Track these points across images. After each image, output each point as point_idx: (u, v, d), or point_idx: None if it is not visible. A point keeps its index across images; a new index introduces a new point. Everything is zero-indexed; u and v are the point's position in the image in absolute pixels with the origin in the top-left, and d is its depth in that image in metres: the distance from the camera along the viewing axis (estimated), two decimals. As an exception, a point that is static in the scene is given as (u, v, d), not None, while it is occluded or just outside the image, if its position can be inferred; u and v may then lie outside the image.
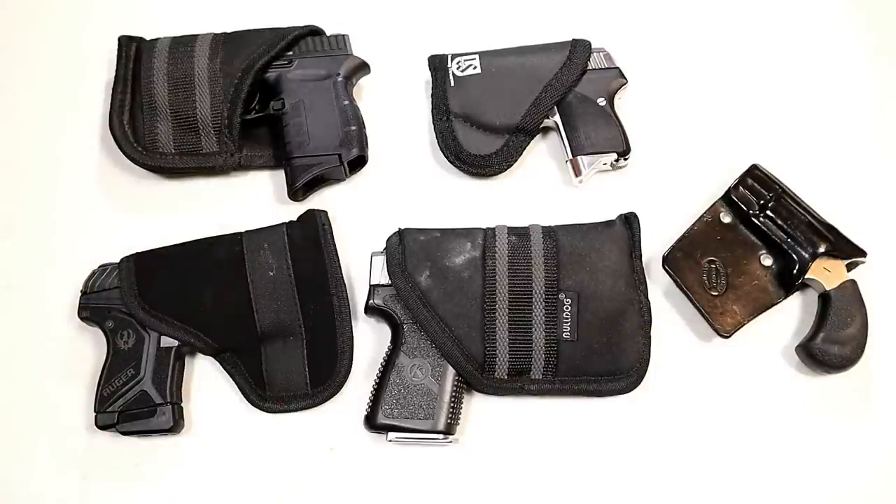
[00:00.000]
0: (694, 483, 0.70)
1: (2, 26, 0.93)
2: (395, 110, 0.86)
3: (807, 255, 0.71)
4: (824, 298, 0.72)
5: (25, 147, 0.86)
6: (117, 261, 0.77)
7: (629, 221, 0.74)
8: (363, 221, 0.80)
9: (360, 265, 0.78)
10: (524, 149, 0.81)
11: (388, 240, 0.74)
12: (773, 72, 0.86)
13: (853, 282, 0.72)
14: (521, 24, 0.89)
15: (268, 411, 0.74)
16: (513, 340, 0.70)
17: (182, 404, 0.74)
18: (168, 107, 0.81)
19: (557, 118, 0.80)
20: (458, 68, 0.82)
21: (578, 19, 0.90)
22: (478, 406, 0.74)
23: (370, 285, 0.74)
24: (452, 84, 0.82)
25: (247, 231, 0.77)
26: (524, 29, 0.87)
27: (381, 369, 0.71)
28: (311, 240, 0.77)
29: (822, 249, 0.71)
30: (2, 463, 0.74)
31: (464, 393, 0.72)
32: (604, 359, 0.70)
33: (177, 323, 0.74)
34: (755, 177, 0.75)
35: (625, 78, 0.82)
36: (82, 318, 0.76)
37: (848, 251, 0.72)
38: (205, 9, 0.91)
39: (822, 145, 0.82)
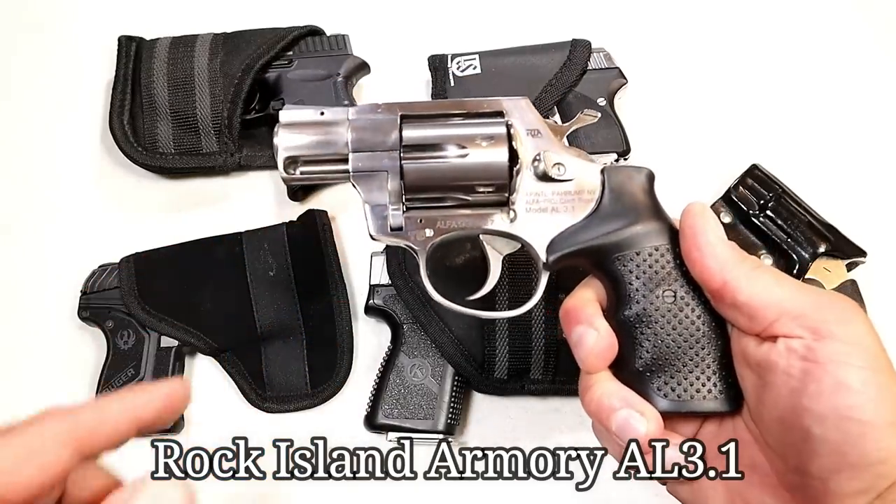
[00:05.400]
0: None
1: (1, 26, 0.93)
2: (395, 110, 0.86)
3: (807, 255, 0.71)
4: (824, 298, 0.72)
5: (25, 147, 0.86)
6: (117, 261, 0.77)
7: None
8: (363, 221, 0.80)
9: (360, 265, 0.78)
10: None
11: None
12: (774, 72, 0.86)
13: (853, 282, 0.72)
14: (521, 24, 0.89)
15: (268, 411, 0.74)
16: (512, 340, 0.70)
17: (182, 404, 0.74)
18: (168, 107, 0.81)
19: (557, 118, 0.80)
20: (458, 68, 0.82)
21: (578, 19, 0.90)
22: (478, 406, 0.74)
23: (370, 285, 0.74)
24: (452, 84, 0.82)
25: (247, 231, 0.77)
26: (524, 29, 0.87)
27: (381, 369, 0.71)
28: (311, 240, 0.77)
29: (822, 249, 0.71)
30: (2, 463, 0.74)
31: (464, 393, 0.72)
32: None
33: (177, 323, 0.74)
34: (755, 177, 0.75)
35: (625, 78, 0.82)
36: (82, 318, 0.76)
37: (848, 251, 0.72)
38: (205, 9, 0.91)
39: (821, 145, 0.82)
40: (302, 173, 0.55)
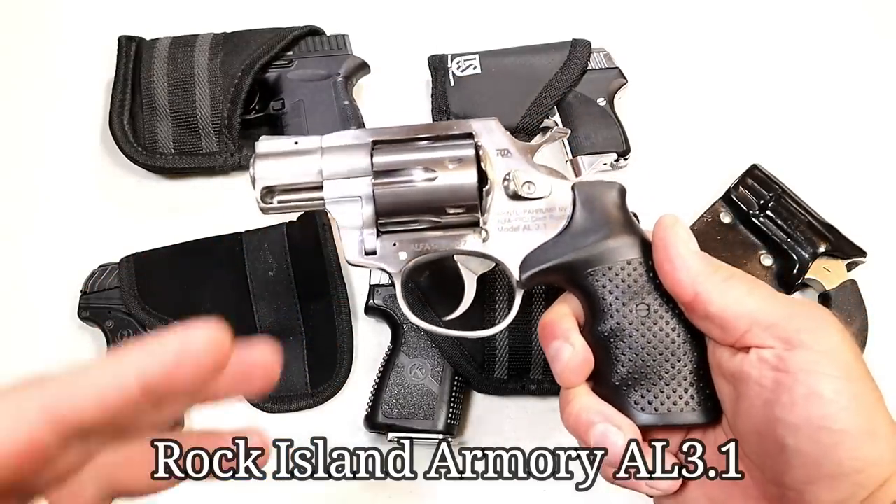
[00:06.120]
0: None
1: (1, 26, 0.93)
2: (395, 110, 0.86)
3: (807, 255, 0.71)
4: (824, 298, 0.72)
5: (25, 147, 0.86)
6: (117, 261, 0.77)
7: None
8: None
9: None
10: (524, 149, 0.81)
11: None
12: (774, 72, 0.86)
13: (853, 282, 0.72)
14: (521, 24, 0.89)
15: (268, 411, 0.74)
16: (512, 341, 0.70)
17: (182, 404, 0.74)
18: (168, 107, 0.81)
19: (557, 118, 0.80)
20: (458, 68, 0.82)
21: (578, 19, 0.90)
22: (478, 406, 0.74)
23: (370, 285, 0.74)
24: (452, 84, 0.82)
25: (247, 231, 0.77)
26: (524, 29, 0.87)
27: (381, 369, 0.71)
28: (311, 240, 0.77)
29: (822, 249, 0.71)
30: (2, 463, 0.74)
31: (464, 393, 0.72)
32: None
33: (177, 323, 0.74)
34: (755, 177, 0.75)
35: (625, 78, 0.82)
36: (82, 318, 0.75)
37: (848, 251, 0.72)
38: (205, 9, 0.91)
39: (821, 145, 0.82)
40: (279, 202, 0.56)
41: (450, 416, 0.69)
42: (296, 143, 0.55)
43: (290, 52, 0.83)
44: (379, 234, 0.54)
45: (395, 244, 0.55)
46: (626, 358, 0.50)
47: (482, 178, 0.54)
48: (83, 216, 0.83)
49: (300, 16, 0.88)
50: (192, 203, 0.83)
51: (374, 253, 0.54)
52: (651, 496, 0.51)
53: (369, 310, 0.74)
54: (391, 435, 0.69)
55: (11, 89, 0.89)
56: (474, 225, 0.54)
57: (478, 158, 0.54)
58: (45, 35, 0.92)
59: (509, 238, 0.54)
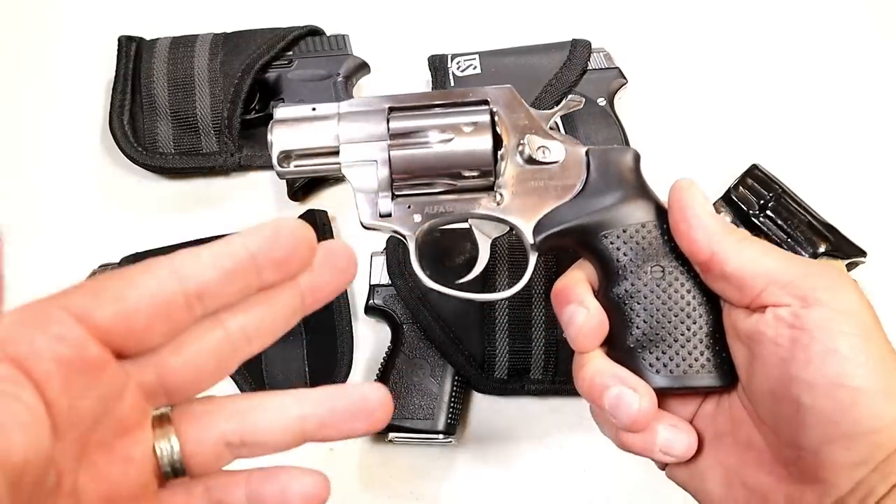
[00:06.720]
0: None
1: (1, 26, 0.93)
2: (395, 110, 0.86)
3: (807, 255, 0.71)
4: (824, 298, 0.72)
5: (25, 147, 0.86)
6: (118, 260, 0.77)
7: None
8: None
9: (360, 265, 0.78)
10: (524, 149, 0.81)
11: (388, 240, 0.74)
12: (774, 72, 0.86)
13: (853, 282, 0.72)
14: (521, 24, 0.89)
15: (268, 411, 0.74)
16: (512, 340, 0.70)
17: (182, 404, 0.74)
18: (168, 107, 0.81)
19: (557, 118, 0.80)
20: (458, 68, 0.82)
21: (578, 19, 0.90)
22: (478, 406, 0.74)
23: (370, 285, 0.74)
24: (452, 84, 0.82)
25: (247, 231, 0.77)
26: (524, 29, 0.87)
27: (381, 369, 0.71)
28: (311, 240, 0.77)
29: (822, 249, 0.71)
30: (2, 463, 0.74)
31: (464, 393, 0.72)
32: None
33: (177, 323, 0.74)
34: (755, 177, 0.75)
35: (625, 78, 0.82)
36: (82, 318, 0.75)
37: (848, 251, 0.72)
38: (205, 9, 0.92)
39: (821, 145, 0.82)
40: (296, 167, 0.56)
41: (450, 416, 0.69)
42: (313, 109, 0.56)
43: (290, 52, 0.83)
44: (394, 197, 0.55)
45: (409, 207, 0.55)
46: (640, 320, 0.50)
47: (497, 142, 0.54)
48: (83, 216, 0.83)
49: (300, 16, 0.88)
50: (192, 203, 0.83)
51: (388, 215, 0.55)
52: (665, 463, 0.51)
53: (369, 310, 0.74)
54: (391, 435, 0.69)
55: (11, 89, 0.89)
56: (489, 189, 0.55)
57: (493, 124, 0.54)
58: (45, 35, 0.92)
59: (523, 202, 0.54)
